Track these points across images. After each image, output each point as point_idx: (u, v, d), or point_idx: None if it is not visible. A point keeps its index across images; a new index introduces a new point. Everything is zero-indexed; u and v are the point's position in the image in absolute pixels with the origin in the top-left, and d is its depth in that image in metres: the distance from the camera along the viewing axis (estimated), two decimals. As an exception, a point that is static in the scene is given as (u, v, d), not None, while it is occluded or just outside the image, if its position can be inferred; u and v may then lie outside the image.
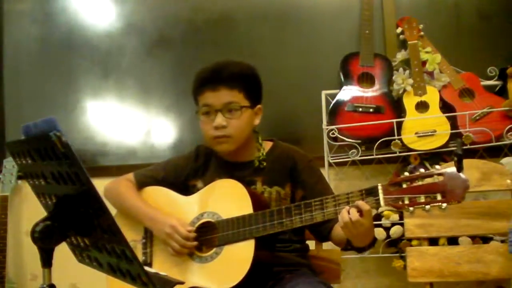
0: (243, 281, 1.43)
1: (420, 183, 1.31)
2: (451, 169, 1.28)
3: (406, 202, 1.31)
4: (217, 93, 1.60)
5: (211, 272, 1.51)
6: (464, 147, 2.26)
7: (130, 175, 1.77)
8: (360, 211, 1.34)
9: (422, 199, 1.30)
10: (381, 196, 1.34)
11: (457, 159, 1.26)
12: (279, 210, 1.48)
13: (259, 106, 1.68)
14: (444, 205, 1.27)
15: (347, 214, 1.35)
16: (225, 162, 1.69)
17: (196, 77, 1.66)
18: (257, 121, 1.68)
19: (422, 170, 1.33)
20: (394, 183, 1.34)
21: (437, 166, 1.32)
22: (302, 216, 1.45)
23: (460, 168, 1.27)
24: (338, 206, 1.39)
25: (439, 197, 1.28)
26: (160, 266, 1.60)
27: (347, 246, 1.51)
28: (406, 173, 1.34)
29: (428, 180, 1.30)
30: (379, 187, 1.34)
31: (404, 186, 1.32)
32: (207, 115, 1.62)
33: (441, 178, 1.29)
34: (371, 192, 1.35)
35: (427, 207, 1.29)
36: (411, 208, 1.31)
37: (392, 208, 1.41)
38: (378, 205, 1.35)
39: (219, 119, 1.59)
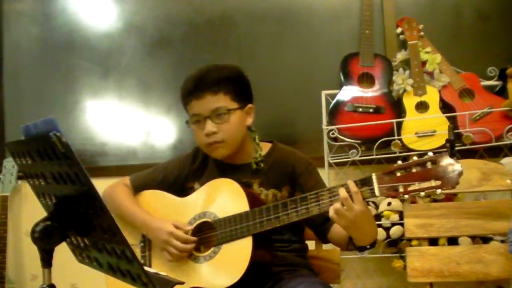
0: (242, 279, 1.43)
1: (414, 170, 1.30)
2: (444, 155, 1.27)
3: (401, 190, 1.30)
4: (202, 100, 1.59)
5: (210, 271, 1.51)
6: (464, 147, 2.26)
7: (127, 180, 1.77)
8: (349, 192, 1.33)
9: (417, 186, 1.29)
10: (375, 185, 1.33)
11: (449, 145, 1.26)
12: (275, 205, 1.47)
13: (250, 105, 1.67)
14: (439, 191, 1.26)
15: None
16: (222, 164, 1.69)
17: (181, 88, 1.66)
18: (249, 121, 1.67)
19: (415, 158, 1.31)
20: (388, 172, 1.33)
21: (430, 153, 1.31)
22: (298, 209, 1.44)
23: (452, 154, 1.26)
24: (333, 197, 1.38)
25: (433, 183, 1.27)
26: (159, 268, 1.60)
27: (349, 245, 1.49)
28: (399, 162, 1.33)
29: (422, 168, 1.29)
30: (373, 177, 1.34)
31: (398, 174, 1.31)
32: (198, 123, 1.62)
33: (434, 164, 1.28)
34: (366, 182, 1.35)
35: (422, 193, 1.28)
36: (406, 196, 1.30)
37: (387, 197, 1.39)
38: (373, 195, 1.33)
39: (209, 126, 1.59)
